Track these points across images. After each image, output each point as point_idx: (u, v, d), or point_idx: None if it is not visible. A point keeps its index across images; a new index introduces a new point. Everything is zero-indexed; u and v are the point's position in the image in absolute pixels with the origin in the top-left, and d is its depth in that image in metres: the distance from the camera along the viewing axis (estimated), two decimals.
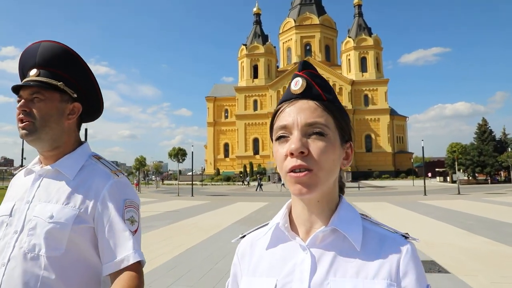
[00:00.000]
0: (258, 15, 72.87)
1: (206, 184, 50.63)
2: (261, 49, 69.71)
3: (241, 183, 35.74)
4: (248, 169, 61.00)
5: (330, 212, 0.69)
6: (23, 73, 1.11)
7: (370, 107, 64.26)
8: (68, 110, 1.09)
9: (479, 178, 50.34)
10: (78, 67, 1.12)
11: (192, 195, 25.01)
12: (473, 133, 53.07)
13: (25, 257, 0.96)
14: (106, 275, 0.99)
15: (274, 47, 72.66)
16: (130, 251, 0.98)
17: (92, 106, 1.17)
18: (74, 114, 1.11)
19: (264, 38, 71.70)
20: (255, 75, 70.25)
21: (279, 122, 0.68)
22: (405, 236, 0.69)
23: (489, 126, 52.49)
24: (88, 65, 1.14)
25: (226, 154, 72.33)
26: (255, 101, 69.30)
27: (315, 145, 0.64)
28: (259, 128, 68.16)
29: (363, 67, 65.96)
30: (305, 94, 0.68)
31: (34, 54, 1.08)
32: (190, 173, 79.30)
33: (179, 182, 30.19)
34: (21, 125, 1.04)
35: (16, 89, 1.06)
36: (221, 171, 66.95)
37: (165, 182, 67.68)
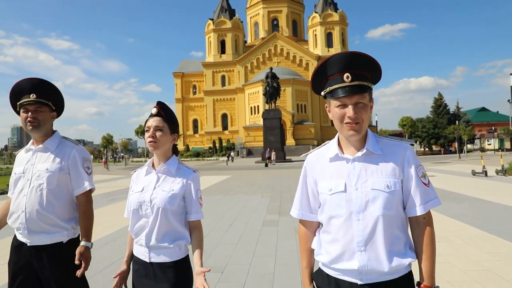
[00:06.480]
0: None
1: None
2: (228, 24, 69.12)
3: (226, 158, 38.26)
4: (217, 145, 61.72)
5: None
6: (19, 96, 1.98)
7: None
8: (52, 116, 2.07)
9: (435, 149, 53.54)
10: (56, 92, 2.09)
11: None
12: (430, 106, 55.93)
13: (35, 191, 1.95)
14: (75, 195, 2.05)
15: (242, 22, 72.12)
16: (85, 183, 2.04)
17: (60, 111, 2.16)
18: (54, 118, 2.10)
19: (231, 13, 70.91)
20: (222, 50, 69.86)
21: (147, 124, 1.71)
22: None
23: (444, 100, 55.43)
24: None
25: (195, 130, 72.62)
26: (223, 77, 69.31)
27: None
28: (228, 103, 68.51)
29: (329, 42, 67.01)
30: (157, 115, 1.69)
31: (30, 84, 1.97)
32: None
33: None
34: (30, 123, 1.94)
35: (20, 104, 1.96)
36: (190, 147, 67.29)
37: (135, 159, 67.43)
